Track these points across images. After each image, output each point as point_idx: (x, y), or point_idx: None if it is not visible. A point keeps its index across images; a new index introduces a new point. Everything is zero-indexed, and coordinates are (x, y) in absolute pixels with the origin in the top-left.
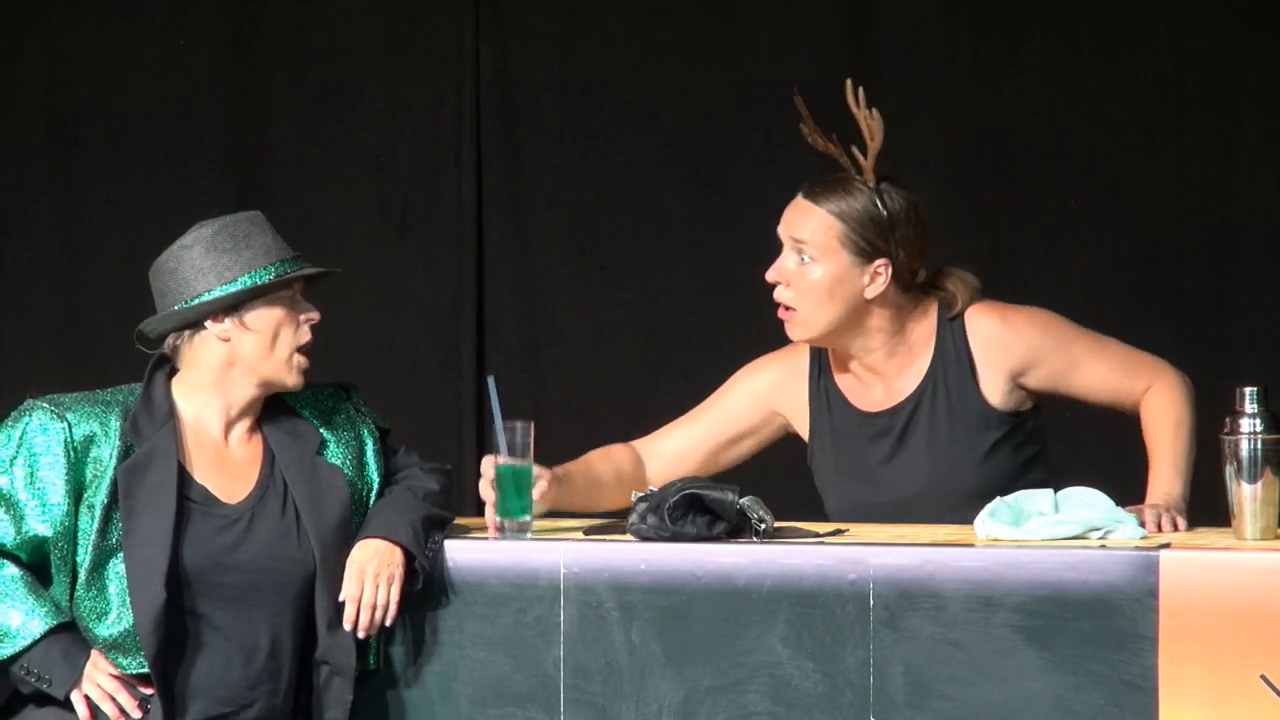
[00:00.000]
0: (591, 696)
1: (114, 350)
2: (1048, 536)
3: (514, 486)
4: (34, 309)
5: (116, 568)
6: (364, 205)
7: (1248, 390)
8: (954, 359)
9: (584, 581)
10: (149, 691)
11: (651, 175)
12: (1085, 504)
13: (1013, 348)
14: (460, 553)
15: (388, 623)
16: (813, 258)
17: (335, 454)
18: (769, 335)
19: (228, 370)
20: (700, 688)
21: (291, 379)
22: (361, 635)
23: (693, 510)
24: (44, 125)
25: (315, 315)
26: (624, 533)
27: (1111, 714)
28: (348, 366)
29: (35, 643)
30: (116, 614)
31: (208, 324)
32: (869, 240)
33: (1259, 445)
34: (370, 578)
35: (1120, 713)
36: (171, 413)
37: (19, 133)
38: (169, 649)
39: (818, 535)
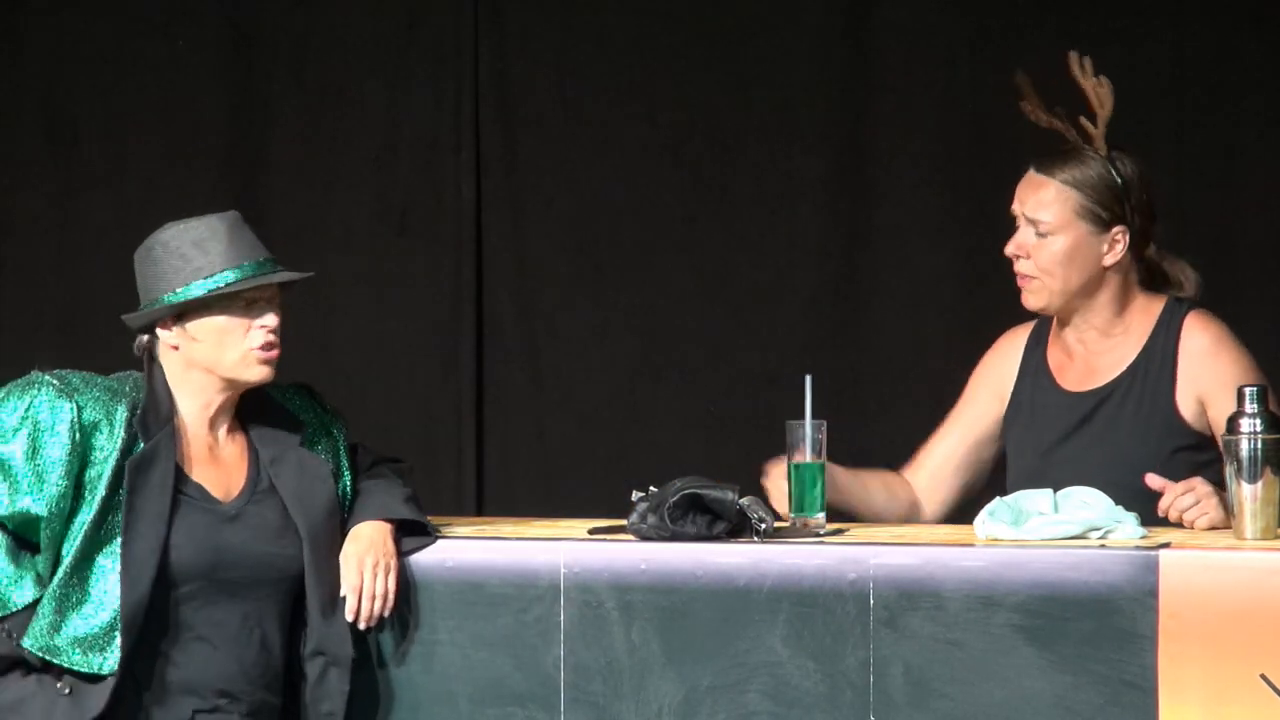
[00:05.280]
0: (591, 696)
1: (112, 350)
2: (1048, 536)
3: (809, 483)
4: (33, 309)
5: (101, 562)
6: (364, 205)
7: (1248, 390)
8: (1159, 359)
9: (584, 581)
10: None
11: (651, 175)
12: (1085, 504)
13: (1208, 371)
14: (460, 553)
15: (386, 613)
16: (1051, 230)
17: (317, 447)
18: (768, 335)
19: (188, 371)
20: (700, 688)
21: (253, 375)
22: (363, 626)
23: (693, 510)
24: (43, 125)
25: (272, 321)
26: (624, 533)
27: (1111, 713)
28: (348, 366)
29: (24, 609)
30: (94, 609)
31: (159, 331)
32: (1106, 208)
33: (1259, 445)
34: (369, 568)
35: (1120, 712)
36: (173, 409)
37: (18, 132)
38: (150, 646)
39: (818, 535)
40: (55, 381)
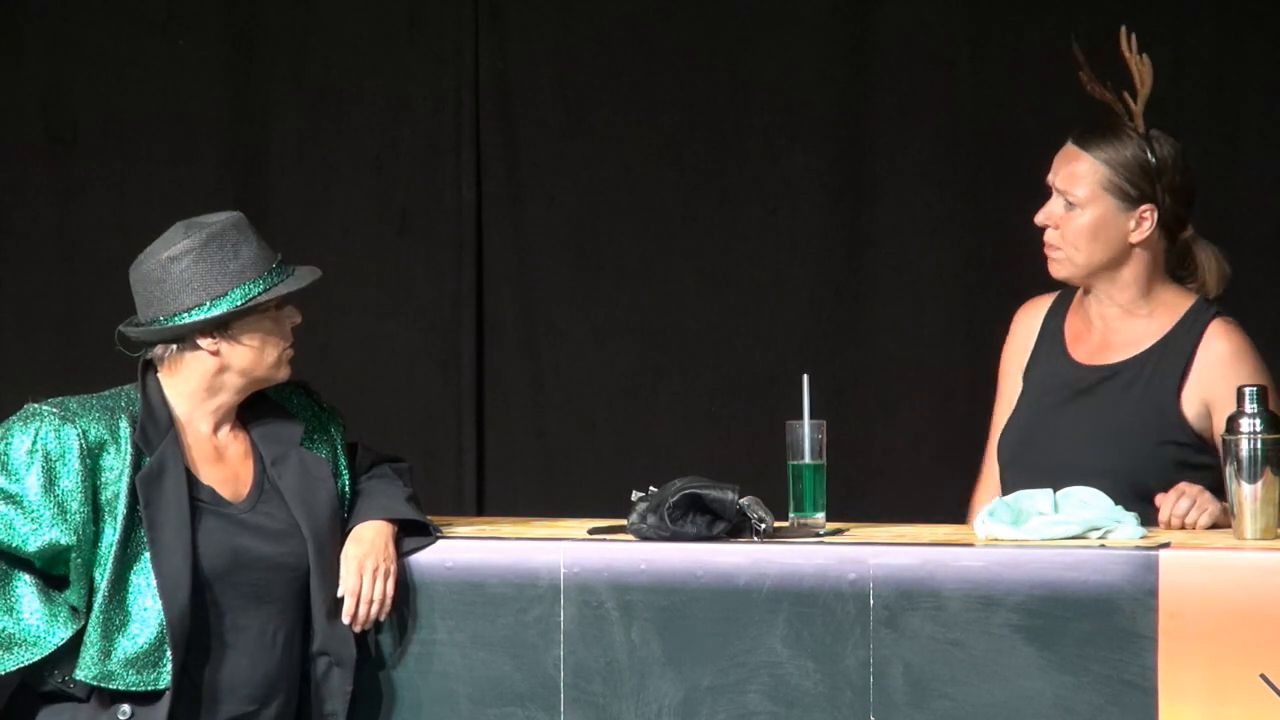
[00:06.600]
0: (591, 696)
1: (112, 351)
2: (1048, 536)
3: (812, 484)
4: (32, 309)
5: (136, 580)
6: (364, 205)
7: (1248, 390)
8: (1176, 353)
9: (584, 581)
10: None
11: (651, 175)
12: (1085, 504)
13: (1223, 379)
14: (460, 553)
15: (382, 617)
16: (1079, 203)
17: (316, 446)
18: (768, 335)
19: (219, 376)
20: (700, 688)
21: (283, 374)
22: (358, 629)
23: (693, 510)
24: (43, 125)
25: (298, 318)
26: (624, 533)
27: (1111, 713)
28: (348, 366)
29: (60, 648)
30: (139, 627)
31: (198, 339)
32: (1135, 185)
33: (1259, 445)
34: (369, 572)
35: (1120, 712)
36: (172, 418)
37: (18, 133)
38: (195, 656)
39: (818, 535)
40: (54, 409)
